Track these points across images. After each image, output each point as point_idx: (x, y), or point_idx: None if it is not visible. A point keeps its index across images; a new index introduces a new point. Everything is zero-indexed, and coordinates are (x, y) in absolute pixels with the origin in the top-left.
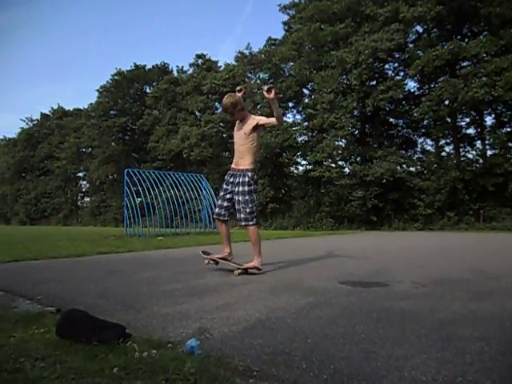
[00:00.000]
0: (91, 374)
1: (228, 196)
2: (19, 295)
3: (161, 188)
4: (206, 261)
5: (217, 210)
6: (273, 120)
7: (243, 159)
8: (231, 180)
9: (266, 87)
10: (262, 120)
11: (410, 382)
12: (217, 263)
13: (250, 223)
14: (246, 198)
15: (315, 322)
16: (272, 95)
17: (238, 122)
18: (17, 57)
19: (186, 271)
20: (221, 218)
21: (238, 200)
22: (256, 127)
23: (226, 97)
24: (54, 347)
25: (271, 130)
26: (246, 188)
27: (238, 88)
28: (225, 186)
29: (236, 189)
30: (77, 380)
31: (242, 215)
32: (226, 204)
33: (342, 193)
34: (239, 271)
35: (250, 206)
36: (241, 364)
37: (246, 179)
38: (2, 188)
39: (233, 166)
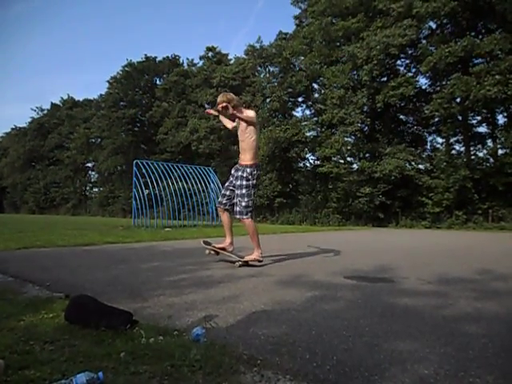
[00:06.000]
0: (99, 357)
1: (231, 187)
2: (28, 281)
3: (169, 180)
4: (207, 251)
5: (219, 198)
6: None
7: (244, 155)
8: (235, 174)
9: (219, 106)
10: (246, 117)
11: (412, 375)
12: (217, 254)
13: (244, 217)
14: (243, 191)
15: (320, 314)
16: (230, 111)
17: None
18: (28, 47)
19: (193, 262)
20: (221, 206)
21: (237, 193)
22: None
23: (219, 95)
24: (62, 331)
25: (280, 124)
26: (244, 182)
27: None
28: (230, 178)
29: (236, 182)
30: (85, 363)
31: (238, 208)
32: (228, 193)
33: (349, 189)
34: (240, 263)
35: (245, 200)
36: (245, 353)
37: (245, 174)
38: (12, 177)
39: (239, 161)
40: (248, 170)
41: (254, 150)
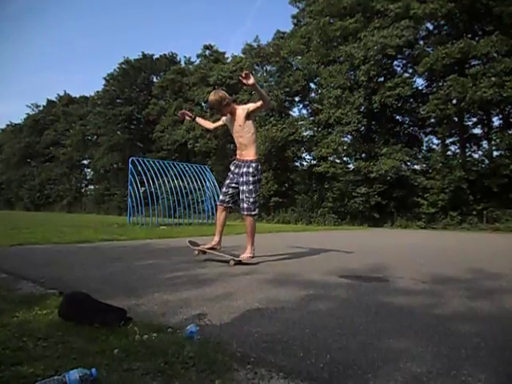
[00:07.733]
0: (92, 354)
1: (233, 185)
2: (23, 278)
3: (165, 178)
4: (196, 251)
5: (221, 196)
6: (259, 103)
7: (246, 150)
8: (236, 170)
9: (243, 73)
10: (251, 107)
11: (405, 373)
12: (204, 253)
13: (253, 213)
14: (250, 187)
15: (314, 313)
16: (251, 81)
17: (228, 116)
18: (25, 43)
19: (187, 260)
20: (224, 204)
21: (243, 190)
22: (247, 115)
23: (211, 94)
24: (56, 328)
25: (276, 123)
26: (251, 178)
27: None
28: (230, 175)
29: (241, 179)
30: (78, 360)
31: (245, 205)
32: (230, 191)
33: (345, 189)
34: (234, 261)
35: (253, 195)
36: (239, 350)
37: (251, 170)
38: (7, 173)
39: (237, 156)
40: (254, 164)
41: (255, 144)
